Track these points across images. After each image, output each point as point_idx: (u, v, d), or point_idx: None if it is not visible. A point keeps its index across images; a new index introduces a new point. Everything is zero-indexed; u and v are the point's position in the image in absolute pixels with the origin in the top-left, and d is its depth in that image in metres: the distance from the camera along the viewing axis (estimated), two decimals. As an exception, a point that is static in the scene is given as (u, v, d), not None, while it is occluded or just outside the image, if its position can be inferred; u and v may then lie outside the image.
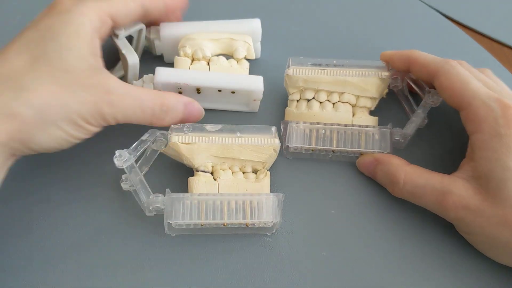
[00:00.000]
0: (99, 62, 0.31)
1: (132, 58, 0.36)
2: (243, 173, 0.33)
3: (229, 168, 0.33)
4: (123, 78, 0.37)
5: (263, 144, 0.33)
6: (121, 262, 0.31)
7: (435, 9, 0.46)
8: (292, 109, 0.37)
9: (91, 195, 0.33)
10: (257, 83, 0.35)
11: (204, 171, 0.33)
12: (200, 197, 0.30)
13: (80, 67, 0.29)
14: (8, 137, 0.27)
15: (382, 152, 0.33)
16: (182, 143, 0.32)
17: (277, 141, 0.33)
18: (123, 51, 0.35)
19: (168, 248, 0.31)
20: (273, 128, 0.34)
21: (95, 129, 0.30)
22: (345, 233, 0.32)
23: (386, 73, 0.35)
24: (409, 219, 0.33)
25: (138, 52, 0.38)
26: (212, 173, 0.33)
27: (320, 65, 0.36)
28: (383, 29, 0.44)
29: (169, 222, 0.30)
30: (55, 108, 0.28)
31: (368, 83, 0.35)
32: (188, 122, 0.34)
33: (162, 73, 0.34)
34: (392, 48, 0.37)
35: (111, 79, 0.30)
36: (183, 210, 0.29)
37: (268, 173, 0.33)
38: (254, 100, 0.36)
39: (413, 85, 0.37)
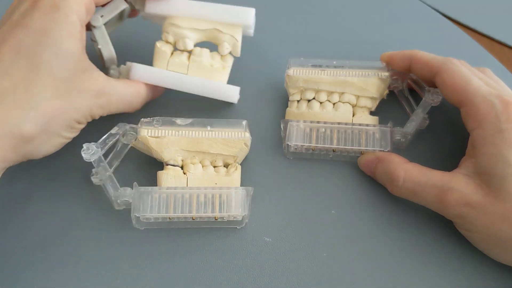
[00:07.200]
0: (86, 57, 0.31)
1: (108, 52, 0.35)
2: (214, 167, 0.33)
3: (200, 162, 0.33)
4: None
5: (233, 138, 0.32)
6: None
7: (435, 9, 0.46)
8: (292, 109, 0.36)
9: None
10: (232, 94, 0.35)
11: (173, 165, 0.32)
12: (168, 191, 0.30)
13: (77, 71, 0.30)
14: (14, 154, 0.28)
15: (383, 151, 0.33)
16: (152, 136, 0.32)
17: (247, 134, 0.33)
18: (99, 45, 0.34)
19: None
20: (244, 122, 0.33)
21: (83, 126, 0.32)
22: (345, 233, 0.32)
23: (386, 74, 0.35)
24: (409, 219, 0.33)
25: (117, 26, 0.37)
26: (182, 167, 0.33)
27: (320, 66, 0.36)
28: (383, 29, 0.44)
29: (136, 216, 0.30)
30: (57, 120, 0.29)
31: (368, 83, 0.35)
32: (154, 98, 0.36)
33: (138, 71, 0.34)
34: (393, 48, 0.37)
35: (100, 79, 0.31)
36: (151, 204, 0.29)
37: (239, 167, 0.33)
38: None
39: (413, 85, 0.37)
